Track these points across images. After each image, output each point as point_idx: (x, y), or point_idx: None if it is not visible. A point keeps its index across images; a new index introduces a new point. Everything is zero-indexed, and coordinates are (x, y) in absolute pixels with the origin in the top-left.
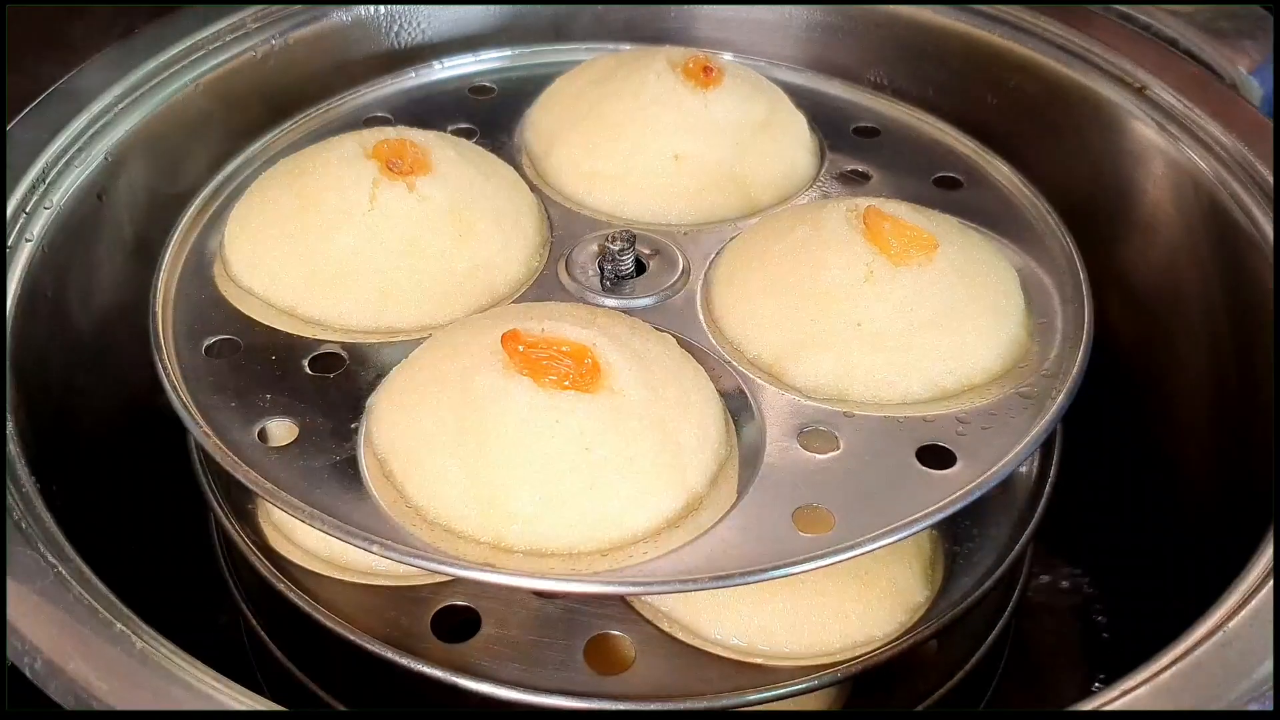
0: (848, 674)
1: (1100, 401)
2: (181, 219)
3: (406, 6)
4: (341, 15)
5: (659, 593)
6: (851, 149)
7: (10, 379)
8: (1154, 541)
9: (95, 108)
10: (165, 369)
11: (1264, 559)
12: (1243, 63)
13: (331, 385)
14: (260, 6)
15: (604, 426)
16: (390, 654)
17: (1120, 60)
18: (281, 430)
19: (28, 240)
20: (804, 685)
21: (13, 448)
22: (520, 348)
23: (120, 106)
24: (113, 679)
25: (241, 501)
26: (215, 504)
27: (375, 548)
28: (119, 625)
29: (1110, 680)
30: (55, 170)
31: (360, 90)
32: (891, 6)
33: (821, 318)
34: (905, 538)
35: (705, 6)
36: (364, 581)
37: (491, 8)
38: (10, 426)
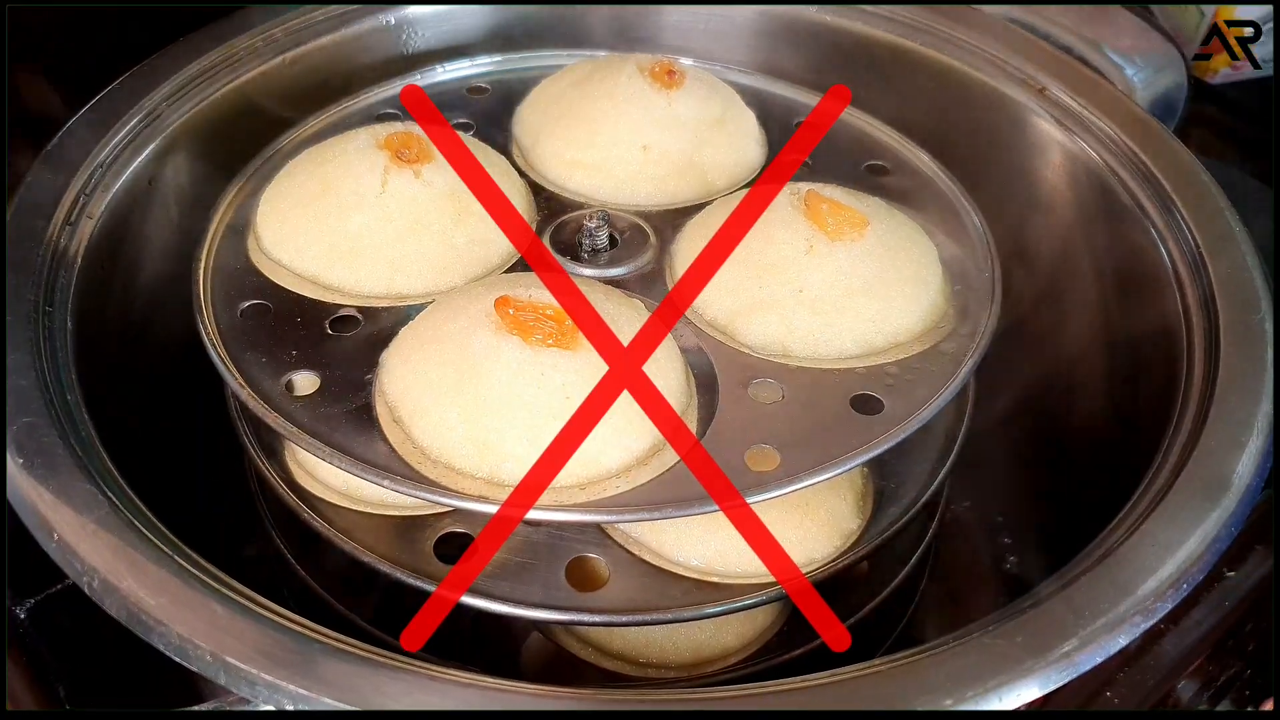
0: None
1: (1007, 356)
2: (221, 200)
3: (413, 16)
4: (357, 26)
5: (630, 520)
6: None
7: (72, 337)
8: (1053, 476)
9: (147, 105)
10: (205, 329)
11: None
12: (1129, 68)
13: (349, 343)
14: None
15: (582, 379)
16: (399, 573)
17: (1024, 65)
18: (305, 382)
19: (89, 218)
20: (754, 600)
21: (72, 395)
22: (511, 311)
23: (169, 104)
24: (160, 596)
25: (271, 443)
26: (249, 446)
27: (387, 482)
28: (165, 549)
29: (1012, 599)
30: (113, 158)
31: (373, 90)
32: (829, 20)
33: (768, 285)
34: (841, 473)
35: (671, 14)
36: (376, 512)
37: (487, 19)
38: (73, 375)
